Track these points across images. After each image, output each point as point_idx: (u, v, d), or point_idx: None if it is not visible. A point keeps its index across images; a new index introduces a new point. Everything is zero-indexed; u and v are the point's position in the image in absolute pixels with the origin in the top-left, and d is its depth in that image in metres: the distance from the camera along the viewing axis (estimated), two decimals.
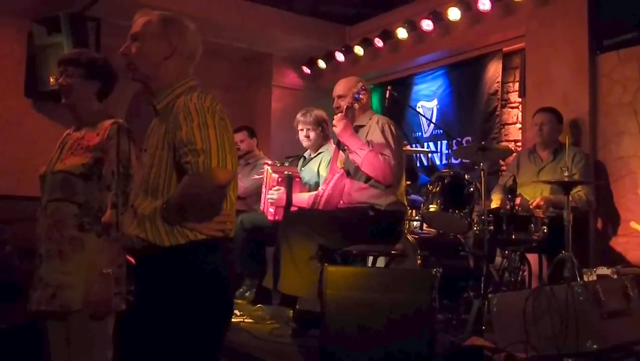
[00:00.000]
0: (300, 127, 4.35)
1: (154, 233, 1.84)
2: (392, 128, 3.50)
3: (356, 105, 3.57)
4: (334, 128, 3.50)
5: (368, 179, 3.44)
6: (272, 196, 3.97)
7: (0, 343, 3.49)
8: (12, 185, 5.11)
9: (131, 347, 1.94)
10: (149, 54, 1.95)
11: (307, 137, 4.33)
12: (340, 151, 3.62)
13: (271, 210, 4.02)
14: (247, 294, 4.34)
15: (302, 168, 4.33)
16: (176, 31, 1.98)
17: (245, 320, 3.72)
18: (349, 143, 3.45)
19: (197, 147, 1.77)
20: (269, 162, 4.51)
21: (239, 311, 3.84)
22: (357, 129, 3.57)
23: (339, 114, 3.51)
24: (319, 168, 4.21)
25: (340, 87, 3.66)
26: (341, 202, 3.54)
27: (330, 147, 4.31)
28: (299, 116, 4.37)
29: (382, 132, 3.45)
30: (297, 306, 3.41)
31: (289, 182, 3.90)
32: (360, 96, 3.54)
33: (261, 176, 4.37)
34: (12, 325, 3.54)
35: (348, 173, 3.56)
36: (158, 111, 1.96)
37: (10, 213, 4.68)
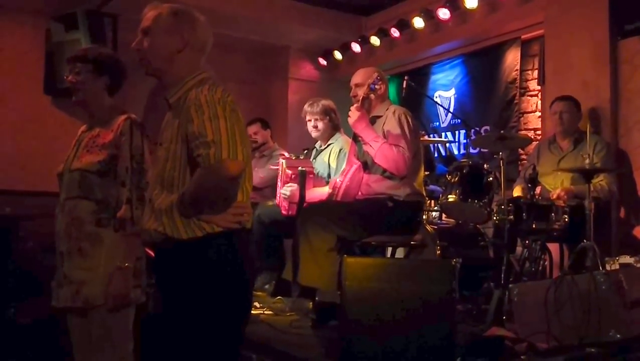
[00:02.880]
0: (308, 117, 4.32)
1: (172, 227, 1.85)
2: (409, 119, 3.48)
3: (372, 96, 3.55)
4: (348, 119, 3.49)
5: (384, 170, 3.42)
6: (285, 192, 3.97)
7: (23, 338, 3.54)
8: (32, 181, 5.17)
9: (152, 340, 1.96)
10: (161, 48, 1.95)
11: (315, 127, 4.30)
12: (355, 143, 3.61)
13: (285, 204, 4.02)
14: (266, 286, 4.35)
15: (314, 160, 4.30)
16: (187, 24, 1.97)
17: (265, 312, 3.73)
18: (363, 134, 3.44)
19: (208, 139, 1.77)
20: (285, 155, 4.50)
21: (259, 304, 3.86)
22: (374, 120, 3.55)
23: (355, 105, 3.50)
24: (329, 159, 4.19)
25: (357, 77, 3.65)
26: (360, 193, 3.53)
27: (341, 137, 4.29)
28: (306, 107, 4.34)
29: (399, 122, 3.43)
30: (316, 298, 3.40)
31: (302, 179, 3.89)
32: (377, 86, 3.52)
33: (277, 167, 4.36)
34: (34, 319, 3.59)
35: (365, 165, 3.54)
36: (171, 105, 1.97)
37: (31, 209, 4.75)
